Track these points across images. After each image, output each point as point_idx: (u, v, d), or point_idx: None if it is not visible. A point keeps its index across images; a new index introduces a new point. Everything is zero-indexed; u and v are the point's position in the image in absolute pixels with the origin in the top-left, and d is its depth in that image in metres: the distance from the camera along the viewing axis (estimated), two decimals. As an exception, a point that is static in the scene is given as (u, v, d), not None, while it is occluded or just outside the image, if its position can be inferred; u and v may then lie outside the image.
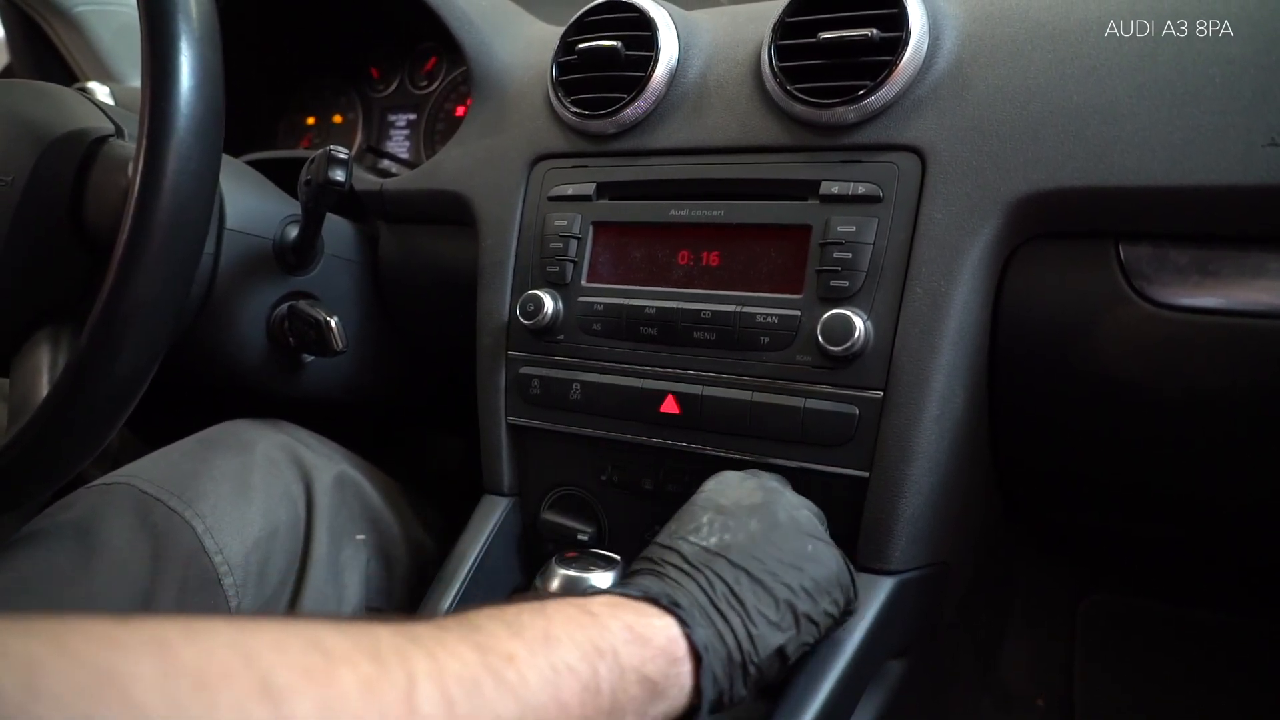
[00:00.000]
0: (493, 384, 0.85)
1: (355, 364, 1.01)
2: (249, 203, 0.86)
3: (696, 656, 0.48)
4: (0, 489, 0.64)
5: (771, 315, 0.70)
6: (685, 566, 0.53)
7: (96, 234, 0.74)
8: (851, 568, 0.60)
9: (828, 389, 0.69)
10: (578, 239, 0.80)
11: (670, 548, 0.56)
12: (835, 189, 0.69)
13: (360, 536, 0.86)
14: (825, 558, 0.57)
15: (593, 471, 0.83)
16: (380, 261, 1.00)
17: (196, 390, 1.05)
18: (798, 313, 0.70)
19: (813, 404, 0.69)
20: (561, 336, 0.80)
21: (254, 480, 0.80)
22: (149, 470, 0.77)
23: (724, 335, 0.72)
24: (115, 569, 0.69)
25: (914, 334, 0.66)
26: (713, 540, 0.55)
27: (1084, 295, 0.66)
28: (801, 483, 0.71)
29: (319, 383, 0.97)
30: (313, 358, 0.93)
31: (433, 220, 0.95)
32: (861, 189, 0.69)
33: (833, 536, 0.65)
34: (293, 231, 0.87)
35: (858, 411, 0.67)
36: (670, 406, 0.75)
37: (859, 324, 0.66)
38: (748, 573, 0.53)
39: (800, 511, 0.60)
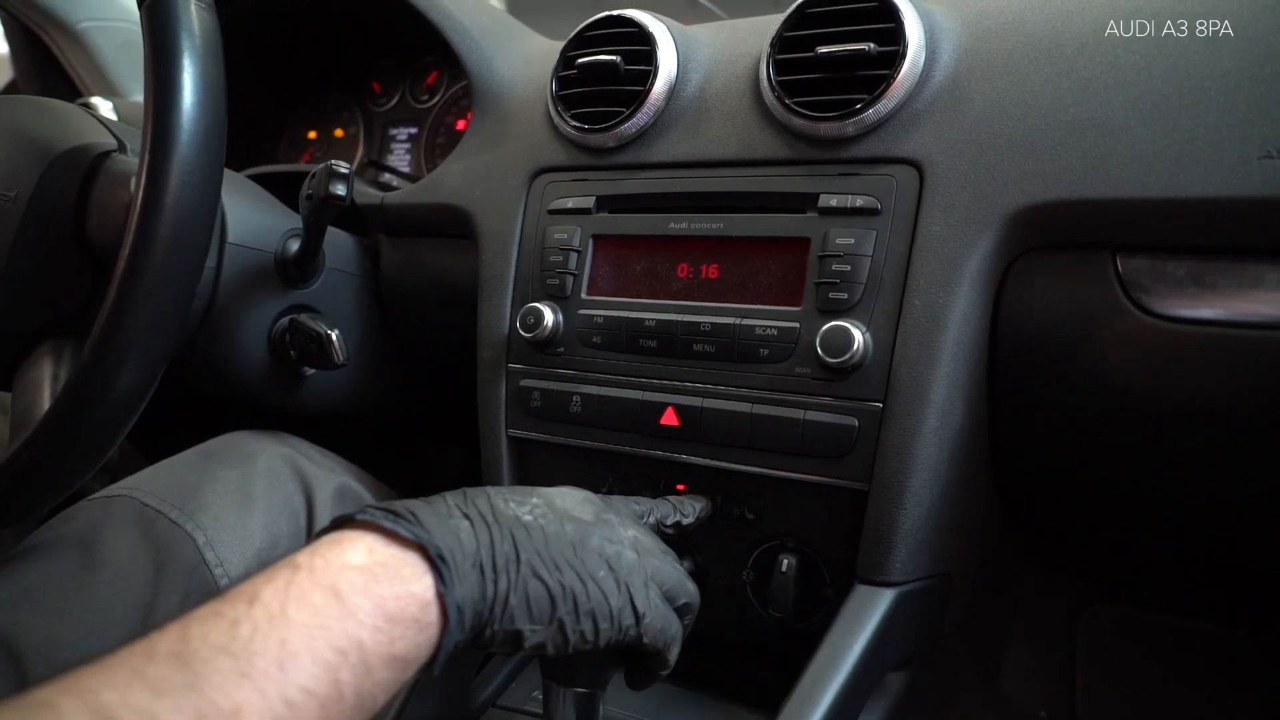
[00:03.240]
0: (493, 396, 0.85)
1: (356, 376, 1.01)
2: (251, 217, 0.86)
3: (445, 618, 0.47)
4: (2, 502, 0.64)
5: (771, 327, 0.71)
6: (488, 519, 0.52)
7: (99, 249, 0.74)
8: (643, 610, 0.56)
9: (827, 401, 0.69)
10: (578, 252, 0.80)
11: (486, 499, 0.54)
12: (834, 202, 0.70)
13: (361, 548, 0.86)
14: (608, 589, 0.54)
15: (593, 483, 0.82)
16: (381, 275, 1.00)
17: (198, 403, 1.05)
18: (797, 325, 0.70)
19: (812, 416, 0.69)
20: (562, 349, 0.80)
21: (255, 492, 0.80)
22: (150, 482, 0.78)
23: (723, 347, 0.73)
24: (117, 581, 0.69)
25: (913, 345, 0.66)
26: (526, 516, 0.54)
27: (1082, 307, 0.66)
28: (801, 495, 0.72)
29: (320, 395, 0.97)
30: (314, 370, 0.93)
31: (433, 233, 0.95)
32: (860, 202, 0.69)
33: (833, 548, 0.64)
34: (294, 245, 0.88)
35: (857, 423, 0.67)
36: (670, 419, 0.75)
37: (858, 336, 0.66)
38: (539, 555, 0.52)
39: (615, 546, 0.57)
